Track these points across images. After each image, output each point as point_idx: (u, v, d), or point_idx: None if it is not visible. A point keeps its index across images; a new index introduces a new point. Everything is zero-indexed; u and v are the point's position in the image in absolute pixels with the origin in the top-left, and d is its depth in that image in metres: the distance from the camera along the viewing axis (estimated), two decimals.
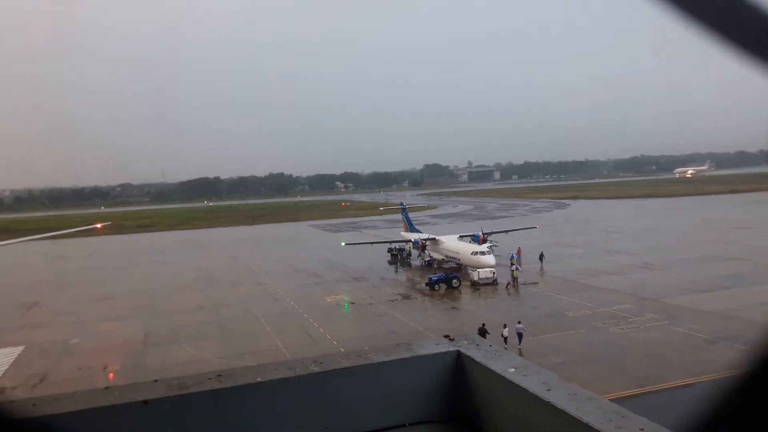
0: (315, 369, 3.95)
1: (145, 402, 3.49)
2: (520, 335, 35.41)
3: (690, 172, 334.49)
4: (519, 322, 36.22)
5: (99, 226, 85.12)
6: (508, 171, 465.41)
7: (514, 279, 52.84)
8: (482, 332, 35.70)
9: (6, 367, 35.32)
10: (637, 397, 25.77)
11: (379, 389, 4.09)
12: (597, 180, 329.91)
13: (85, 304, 53.70)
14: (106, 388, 3.64)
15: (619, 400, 24.91)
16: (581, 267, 58.75)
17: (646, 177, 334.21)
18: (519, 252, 61.70)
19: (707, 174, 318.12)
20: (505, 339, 35.16)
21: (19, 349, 39.14)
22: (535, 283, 52.59)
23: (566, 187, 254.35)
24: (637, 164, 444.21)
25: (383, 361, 4.11)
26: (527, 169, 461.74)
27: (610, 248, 70.61)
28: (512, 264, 55.63)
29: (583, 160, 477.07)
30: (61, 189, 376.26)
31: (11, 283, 68.13)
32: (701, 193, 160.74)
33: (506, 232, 73.47)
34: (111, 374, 33.49)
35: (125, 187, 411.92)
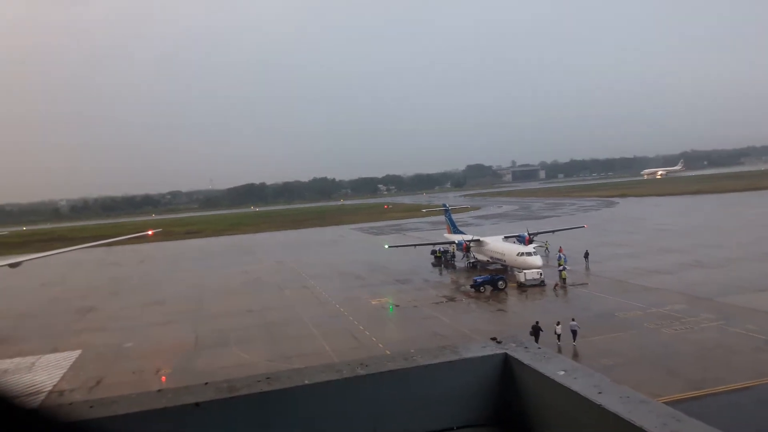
0: (361, 372, 3.98)
1: (197, 404, 3.59)
2: (574, 332, 35.09)
3: (660, 172, 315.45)
4: (573, 320, 35.97)
5: (150, 233, 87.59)
6: (554, 169, 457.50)
7: (563, 280, 51.93)
8: (536, 330, 35.55)
9: (65, 370, 36.66)
10: (694, 400, 24.85)
11: (425, 392, 4.08)
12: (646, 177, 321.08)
13: (137, 309, 55.38)
14: (159, 390, 3.77)
15: (674, 404, 24.09)
16: (631, 266, 57.17)
17: (697, 173, 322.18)
18: (560, 251, 60.77)
19: (680, 175, 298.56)
20: (559, 336, 34.99)
21: (77, 353, 40.58)
22: (584, 284, 51.44)
23: (614, 184, 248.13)
24: (687, 160, 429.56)
25: (429, 364, 4.11)
26: (573, 168, 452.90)
27: (660, 247, 68.49)
28: (560, 264, 54.74)
29: (631, 156, 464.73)
30: (113, 198, 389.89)
31: (69, 289, 70.90)
32: (757, 188, 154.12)
33: (553, 232, 72.21)
34: (163, 377, 34.35)
35: (175, 194, 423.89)
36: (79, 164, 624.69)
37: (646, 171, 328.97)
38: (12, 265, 56.44)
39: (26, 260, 59.73)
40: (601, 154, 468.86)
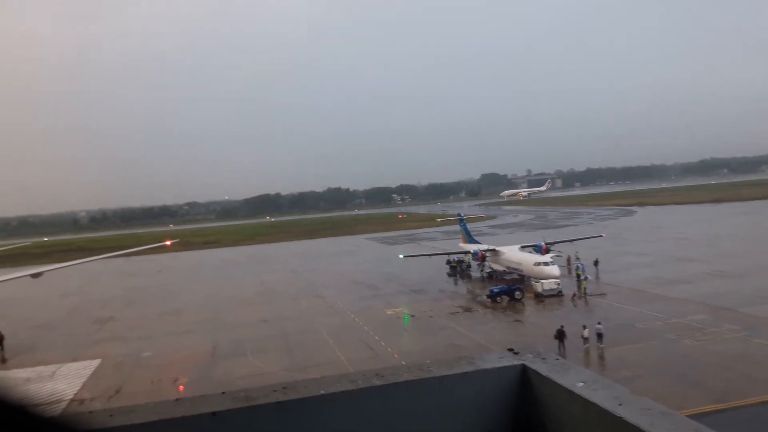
0: (377, 382, 3.96)
1: (214, 414, 3.60)
2: (600, 335, 35.29)
3: (522, 194, 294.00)
4: (599, 323, 36.26)
5: (168, 243, 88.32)
6: (570, 178, 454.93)
7: (583, 289, 51.53)
8: (560, 334, 35.66)
9: (85, 380, 37.03)
10: (717, 413, 24.39)
11: (441, 403, 4.05)
12: (664, 185, 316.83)
13: (155, 318, 55.81)
14: (177, 400, 3.79)
15: (697, 416, 23.67)
16: (650, 276, 56.48)
17: (717, 180, 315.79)
18: (569, 260, 60.24)
19: (543, 196, 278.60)
20: (585, 339, 35.19)
21: (96, 362, 40.98)
22: (603, 294, 50.87)
23: (632, 193, 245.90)
24: (706, 167, 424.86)
25: (445, 375, 4.07)
26: (590, 176, 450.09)
27: (680, 256, 67.60)
28: (579, 275, 54.35)
29: (648, 165, 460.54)
30: (132, 209, 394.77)
31: (88, 299, 71.67)
32: None
33: (570, 241, 71.57)
34: (181, 386, 34.52)
35: (192, 205, 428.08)
36: (99, 176, 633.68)
37: (506, 192, 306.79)
38: (34, 276, 57.32)
39: (47, 270, 60.62)
40: (618, 163, 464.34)
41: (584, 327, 36.25)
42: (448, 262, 70.95)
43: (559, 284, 51.74)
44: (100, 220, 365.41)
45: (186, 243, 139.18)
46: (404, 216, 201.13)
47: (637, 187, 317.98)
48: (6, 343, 47.45)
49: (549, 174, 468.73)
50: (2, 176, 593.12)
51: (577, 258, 61.41)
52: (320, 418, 3.81)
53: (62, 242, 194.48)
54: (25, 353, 45.06)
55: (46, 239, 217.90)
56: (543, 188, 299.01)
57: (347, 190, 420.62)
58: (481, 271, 65.87)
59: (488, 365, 4.19)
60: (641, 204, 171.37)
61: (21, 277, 57.66)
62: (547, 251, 59.26)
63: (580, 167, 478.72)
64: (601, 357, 34.09)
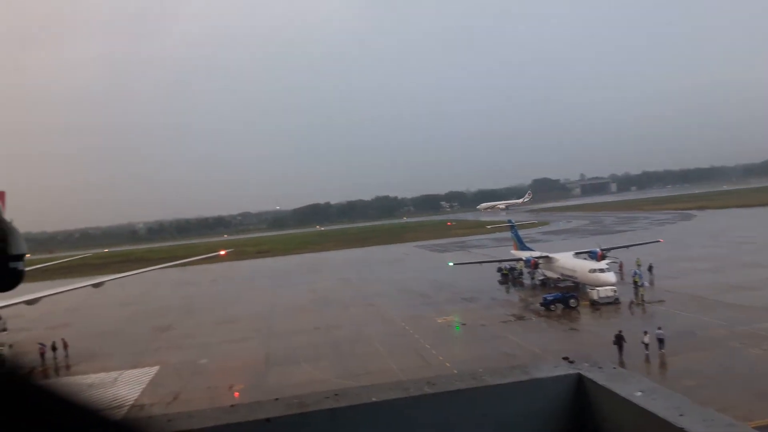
0: (429, 390, 3.95)
1: (268, 420, 3.67)
2: (661, 341, 34.63)
3: (500, 206, 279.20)
4: (659, 328, 35.66)
5: (222, 253, 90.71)
6: (626, 182, 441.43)
7: (640, 296, 49.95)
8: (619, 339, 35.08)
9: (144, 386, 38.25)
10: None
11: (494, 413, 4.00)
12: (725, 187, 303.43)
13: (211, 326, 57.16)
14: (232, 406, 3.89)
15: (764, 429, 22.51)
16: (712, 282, 54.23)
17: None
18: (621, 266, 58.32)
19: (524, 207, 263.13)
20: (646, 345, 34.62)
21: (155, 369, 42.28)
22: (661, 301, 49.15)
23: (691, 196, 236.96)
24: None
25: (498, 384, 4.02)
26: (646, 179, 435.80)
27: (743, 261, 64.68)
28: (636, 281, 52.82)
29: (708, 166, 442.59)
30: (187, 220, 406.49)
31: (147, 308, 74.05)
32: None
33: (626, 247, 69.46)
34: (236, 393, 35.24)
35: (245, 215, 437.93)
36: (155, 189, 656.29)
37: (483, 205, 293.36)
38: (95, 285, 59.72)
39: (108, 280, 63.09)
40: (676, 165, 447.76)
41: (645, 332, 35.48)
42: (500, 269, 70.02)
43: (615, 291, 50.31)
44: (157, 231, 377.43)
45: (239, 252, 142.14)
46: (453, 223, 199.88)
47: (697, 190, 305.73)
48: (70, 350, 49.56)
49: (603, 178, 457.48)
50: (65, 192, 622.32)
51: (638, 265, 59.69)
52: (372, 426, 3.83)
53: (121, 253, 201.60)
54: (88, 360, 46.96)
55: (105, 250, 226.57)
56: (521, 201, 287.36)
57: (395, 198, 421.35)
58: (532, 278, 64.80)
59: (543, 374, 4.13)
60: (701, 207, 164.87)
61: (83, 287, 60.26)
62: (603, 257, 57.84)
63: (636, 170, 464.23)
64: (663, 364, 33.23)
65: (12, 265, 3.89)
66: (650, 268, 60.24)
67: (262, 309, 64.59)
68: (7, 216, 4.49)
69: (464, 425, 3.95)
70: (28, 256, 4.26)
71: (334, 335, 48.12)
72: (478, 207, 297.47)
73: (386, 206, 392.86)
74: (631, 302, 49.26)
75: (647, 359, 34.28)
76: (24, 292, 49.95)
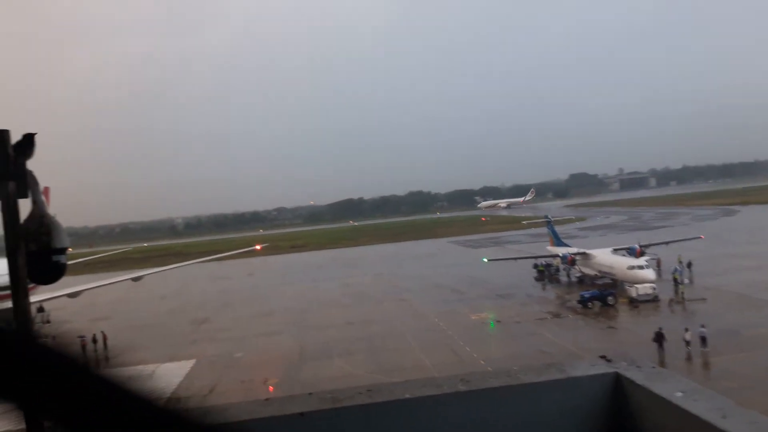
0: (462, 388, 3.93)
1: (301, 414, 3.72)
2: (703, 339, 33.86)
3: (502, 204, 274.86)
4: (702, 326, 34.86)
5: (258, 247, 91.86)
6: (665, 177, 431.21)
7: (681, 294, 48.66)
8: (659, 336, 34.54)
9: (181, 379, 38.99)
10: None
11: (529, 411, 3.94)
12: None
13: (247, 320, 57.96)
14: (266, 399, 3.96)
15: None
16: (757, 280, 52.34)
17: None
18: (659, 263, 56.91)
19: (528, 206, 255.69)
20: (688, 343, 33.98)
21: (192, 362, 43.07)
22: (703, 299, 47.71)
23: (734, 191, 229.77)
24: None
25: (534, 382, 3.97)
26: (687, 174, 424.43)
27: None
28: (676, 278, 51.46)
29: (752, 160, 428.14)
30: (224, 215, 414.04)
31: (185, 302, 75.55)
32: None
33: (666, 243, 67.73)
34: (271, 387, 35.59)
35: (280, 210, 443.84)
36: (193, 183, 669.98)
37: (483, 204, 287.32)
38: (135, 279, 61.16)
39: (147, 274, 64.56)
40: (718, 160, 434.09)
41: (686, 329, 34.75)
42: (536, 265, 68.99)
43: (655, 289, 49.07)
44: (195, 226, 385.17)
45: (275, 247, 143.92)
46: (488, 219, 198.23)
47: (740, 185, 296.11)
48: (109, 343, 50.91)
49: (642, 172, 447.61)
50: (107, 187, 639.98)
51: (680, 262, 58.21)
52: (405, 422, 3.84)
53: (160, 247, 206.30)
54: (127, 353, 48.09)
55: (145, 245, 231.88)
56: (522, 199, 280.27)
57: (429, 193, 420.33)
58: (568, 275, 63.75)
59: (579, 373, 4.06)
60: (744, 203, 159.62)
61: (123, 280, 61.82)
62: (642, 254, 56.49)
63: (676, 165, 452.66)
64: (705, 363, 32.42)
65: (55, 258, 4.01)
66: (689, 265, 58.72)
67: (296, 303, 65.17)
68: (51, 210, 4.55)
69: (498, 423, 3.90)
70: (70, 250, 4.36)
71: (367, 330, 48.20)
72: (478, 205, 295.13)
73: (419, 201, 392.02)
74: (671, 300, 48.02)
75: (689, 357, 33.49)
76: (66, 286, 51.45)
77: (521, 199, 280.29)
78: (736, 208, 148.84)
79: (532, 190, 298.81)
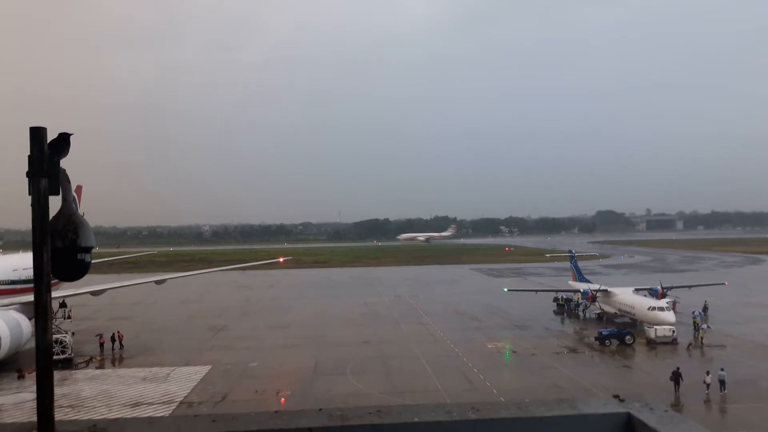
0: (472, 416, 3.90)
1: (310, 429, 3.73)
2: (722, 382, 34.18)
3: (420, 238, 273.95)
4: (722, 369, 35.26)
5: (281, 260, 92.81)
6: (693, 221, 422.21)
7: (700, 339, 48.09)
8: (676, 376, 34.63)
9: (194, 384, 39.43)
10: None
11: None
12: None
13: (264, 330, 58.56)
14: (276, 412, 4.01)
15: None
16: None
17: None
18: (674, 306, 56.30)
19: (444, 242, 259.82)
20: (708, 386, 34.25)
21: (207, 368, 43.55)
22: (722, 346, 47.03)
23: (762, 240, 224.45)
24: None
25: (544, 416, 3.93)
26: (715, 219, 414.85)
27: None
28: (696, 323, 50.84)
29: None
30: (251, 225, 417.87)
31: (205, 308, 76.48)
32: None
33: (689, 287, 66.80)
34: (282, 399, 35.99)
35: (306, 225, 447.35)
36: (221, 193, 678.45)
37: (403, 236, 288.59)
38: (158, 282, 62.39)
39: (170, 278, 65.81)
40: (748, 207, 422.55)
41: (707, 373, 35.06)
42: (556, 299, 68.69)
43: (674, 332, 48.57)
44: (222, 234, 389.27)
45: (298, 261, 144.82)
46: (511, 249, 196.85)
47: None
48: (127, 343, 51.74)
49: (670, 215, 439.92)
50: (137, 190, 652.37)
51: (706, 307, 57.66)
52: None
53: (185, 253, 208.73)
54: (144, 354, 48.98)
55: (171, 249, 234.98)
56: (438, 235, 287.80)
57: (454, 218, 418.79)
58: (583, 311, 63.36)
59: (591, 410, 4.02)
60: None
61: (146, 282, 63.09)
62: (663, 296, 55.91)
63: (705, 209, 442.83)
64: (723, 409, 32.34)
65: (80, 256, 4.14)
66: (705, 309, 58.01)
67: (314, 318, 65.62)
68: (81, 209, 4.88)
69: None
70: (96, 249, 4.50)
71: (382, 350, 48.42)
72: (398, 237, 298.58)
73: (444, 226, 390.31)
74: (690, 344, 47.37)
75: (708, 400, 33.35)
76: (90, 283, 52.73)
77: (438, 234, 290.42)
78: (764, 257, 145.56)
79: (452, 225, 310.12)
